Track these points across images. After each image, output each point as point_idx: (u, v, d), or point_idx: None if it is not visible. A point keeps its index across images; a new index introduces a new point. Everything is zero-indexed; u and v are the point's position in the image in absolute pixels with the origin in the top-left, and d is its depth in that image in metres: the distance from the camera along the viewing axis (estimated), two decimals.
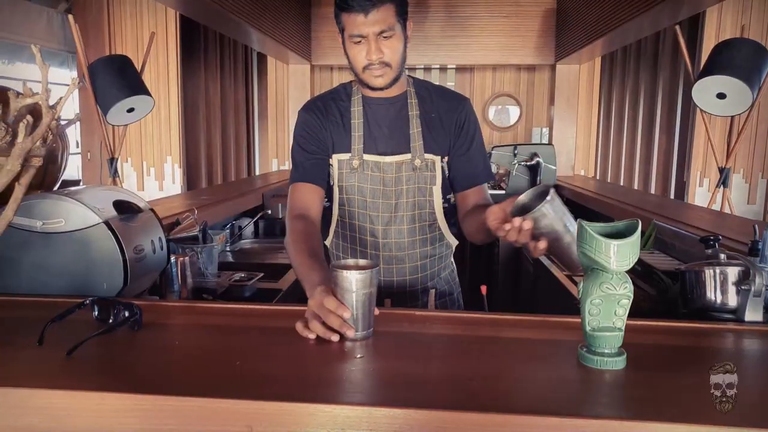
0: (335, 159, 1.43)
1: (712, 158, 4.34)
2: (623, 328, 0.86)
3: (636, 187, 5.03)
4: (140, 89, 3.27)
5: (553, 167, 4.08)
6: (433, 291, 1.51)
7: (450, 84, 5.33)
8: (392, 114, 1.43)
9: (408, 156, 1.41)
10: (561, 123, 4.85)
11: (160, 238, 1.38)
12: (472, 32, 4.71)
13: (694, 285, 1.17)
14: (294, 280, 2.17)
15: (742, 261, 1.12)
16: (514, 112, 5.30)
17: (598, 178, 5.27)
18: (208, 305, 1.15)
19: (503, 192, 4.18)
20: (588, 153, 5.29)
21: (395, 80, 1.38)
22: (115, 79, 3.19)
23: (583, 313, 0.87)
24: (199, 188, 4.75)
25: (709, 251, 1.32)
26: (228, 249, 2.76)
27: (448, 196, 1.50)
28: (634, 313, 1.00)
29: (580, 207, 3.61)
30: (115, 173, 3.46)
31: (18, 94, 1.03)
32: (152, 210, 1.42)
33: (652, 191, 4.95)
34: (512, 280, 3.29)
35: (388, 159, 1.41)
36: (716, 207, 3.51)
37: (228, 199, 2.93)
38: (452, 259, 1.66)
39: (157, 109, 4.35)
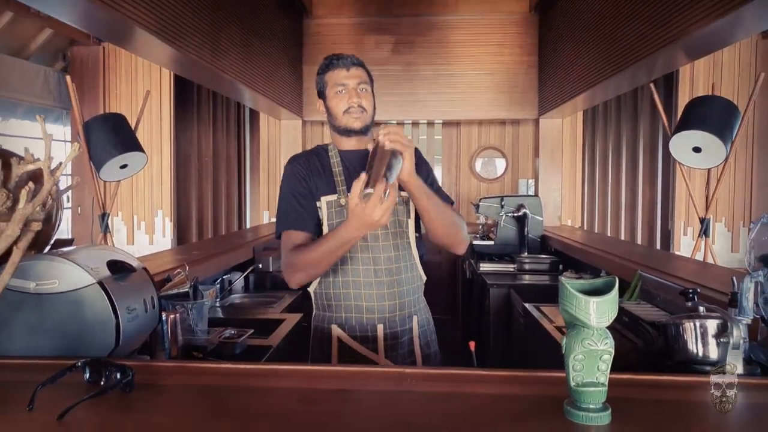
0: (323, 201, 1.59)
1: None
2: (606, 383, 0.88)
3: (623, 237, 5.11)
4: (134, 146, 3.33)
5: (540, 218, 4.15)
6: (415, 317, 1.65)
7: (437, 137, 5.48)
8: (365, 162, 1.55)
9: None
10: (546, 175, 4.96)
11: (152, 297, 1.39)
12: (458, 89, 4.89)
13: (677, 338, 1.20)
14: (284, 336, 2.17)
15: (720, 313, 1.16)
16: (500, 164, 5.42)
17: (585, 228, 5.34)
18: (200, 365, 1.16)
19: (491, 243, 4.22)
20: (574, 203, 5.39)
21: (368, 128, 1.62)
22: (109, 137, 3.26)
23: (568, 369, 0.89)
24: (189, 243, 4.77)
25: (689, 304, 1.36)
26: (218, 304, 2.76)
27: (417, 235, 1.65)
28: (622, 366, 1.02)
29: (568, 258, 3.65)
30: (106, 229, 3.47)
31: (20, 159, 1.07)
32: (145, 269, 1.44)
33: (639, 240, 5.03)
34: (503, 331, 3.29)
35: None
36: (700, 255, 3.57)
37: (219, 254, 2.95)
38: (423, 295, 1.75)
39: (149, 163, 4.42)
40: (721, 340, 1.09)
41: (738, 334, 1.06)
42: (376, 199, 1.21)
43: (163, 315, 1.69)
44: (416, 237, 1.64)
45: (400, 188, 1.49)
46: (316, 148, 1.71)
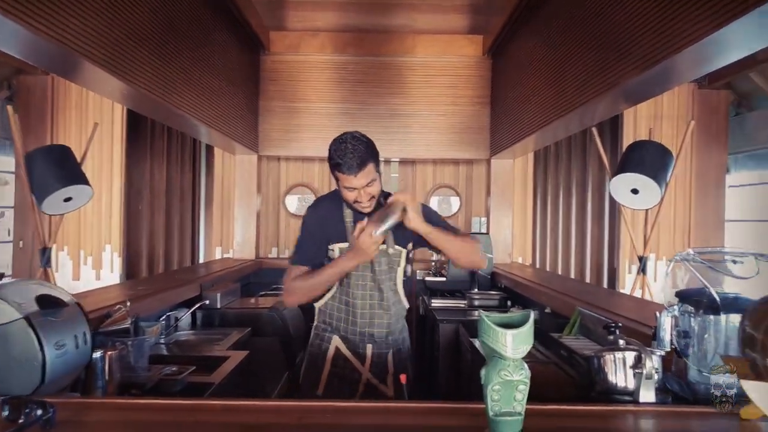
0: (336, 247, 1.93)
1: None
2: (522, 412, 0.92)
3: (572, 275, 5.25)
4: (79, 179, 3.27)
5: (490, 255, 4.24)
6: (398, 339, 2.05)
7: (393, 176, 5.57)
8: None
9: (384, 246, 1.85)
10: (497, 213, 5.10)
11: (84, 333, 1.36)
12: (413, 128, 5.01)
13: (599, 369, 1.25)
14: (228, 373, 2.14)
15: (636, 346, 1.22)
16: (455, 202, 5.54)
17: (536, 265, 5.47)
18: (129, 401, 1.14)
19: (444, 279, 4.28)
20: (525, 241, 5.53)
21: (376, 208, 1.88)
22: (53, 169, 3.19)
23: (486, 399, 0.92)
24: (136, 278, 4.65)
25: (611, 337, 1.42)
26: (162, 341, 2.69)
27: (407, 275, 2.05)
28: (558, 398, 1.06)
29: (517, 294, 3.73)
30: (47, 263, 3.37)
31: None
32: (78, 304, 1.41)
33: (588, 278, 5.18)
34: (452, 366, 3.32)
35: None
36: (641, 292, 3.71)
37: (165, 290, 2.89)
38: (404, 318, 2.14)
39: (97, 196, 4.33)
40: (636, 371, 1.14)
41: (651, 365, 1.12)
42: (368, 233, 1.66)
43: (99, 352, 1.66)
44: (403, 279, 2.02)
45: (397, 243, 1.87)
46: (338, 197, 1.94)
